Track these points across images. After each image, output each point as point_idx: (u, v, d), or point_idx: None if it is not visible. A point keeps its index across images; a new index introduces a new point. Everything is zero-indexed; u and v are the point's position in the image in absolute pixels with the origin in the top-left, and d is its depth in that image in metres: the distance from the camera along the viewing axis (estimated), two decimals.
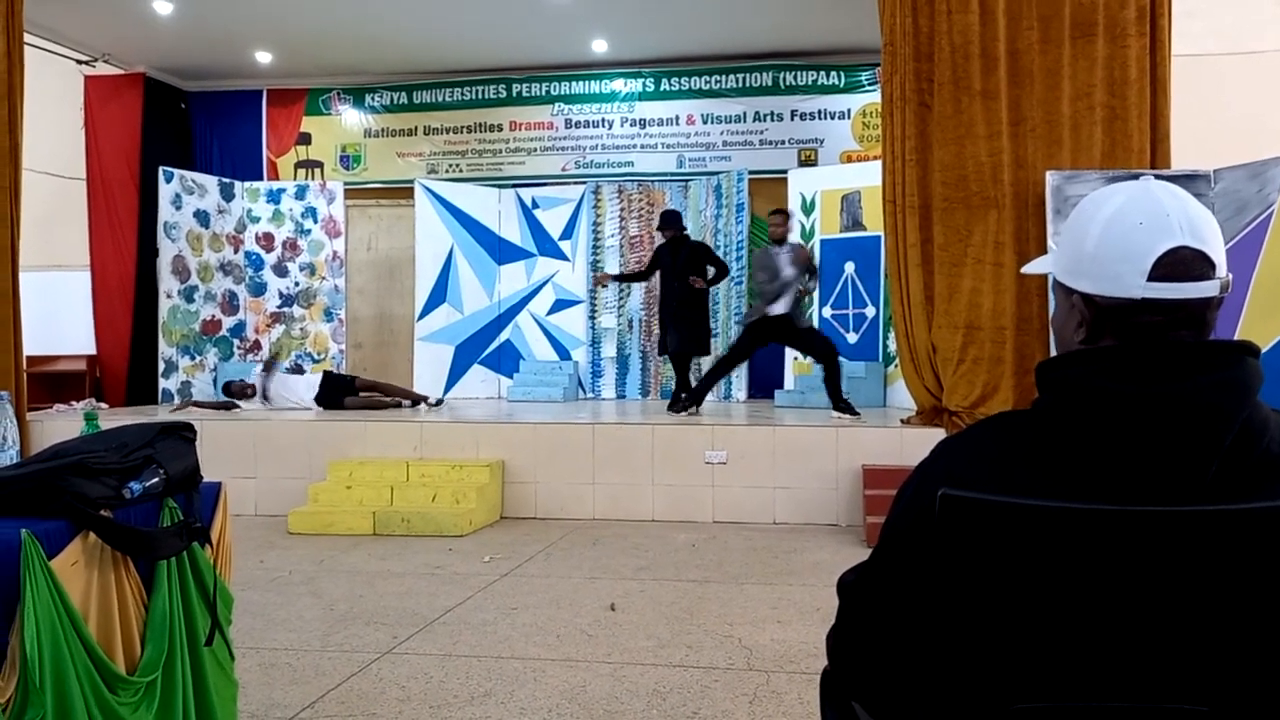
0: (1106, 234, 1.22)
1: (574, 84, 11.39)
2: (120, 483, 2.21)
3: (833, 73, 10.81)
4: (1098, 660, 1.14)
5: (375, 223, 11.83)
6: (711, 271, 8.82)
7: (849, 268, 9.73)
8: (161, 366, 10.21)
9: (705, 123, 11.13)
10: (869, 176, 9.17)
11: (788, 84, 10.92)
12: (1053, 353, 1.32)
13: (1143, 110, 7.12)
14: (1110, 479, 1.14)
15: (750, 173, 10.46)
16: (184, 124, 11.79)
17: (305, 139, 11.81)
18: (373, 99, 11.70)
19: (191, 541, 2.43)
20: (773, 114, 10.97)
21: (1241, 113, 8.92)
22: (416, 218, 10.70)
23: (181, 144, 11.65)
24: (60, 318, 10.70)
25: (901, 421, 7.48)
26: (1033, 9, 7.20)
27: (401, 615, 4.74)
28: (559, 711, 3.45)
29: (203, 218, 10.65)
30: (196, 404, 9.51)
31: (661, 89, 11.21)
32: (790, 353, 10.11)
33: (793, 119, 10.92)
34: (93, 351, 10.68)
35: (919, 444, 6.74)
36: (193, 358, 10.51)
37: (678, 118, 11.20)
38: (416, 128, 11.68)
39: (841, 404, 7.83)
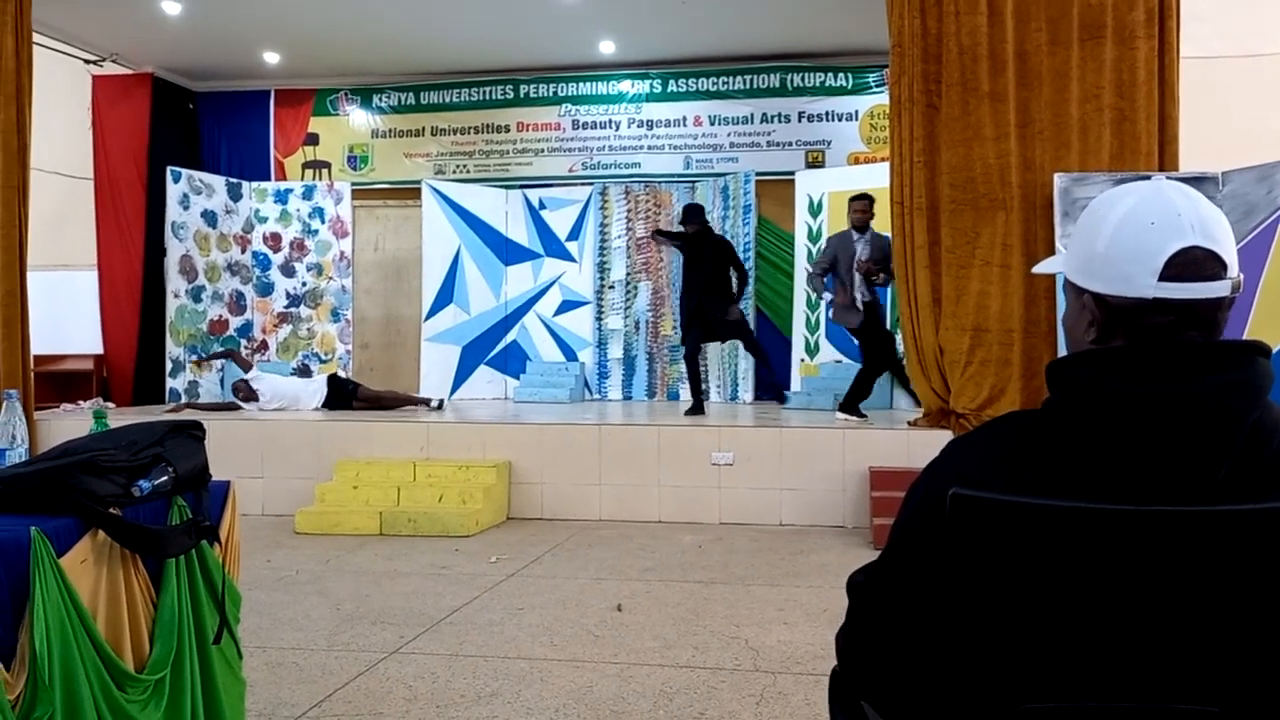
0: (1118, 234, 1.22)
1: (581, 85, 11.40)
2: (129, 481, 2.21)
3: (840, 74, 10.81)
4: (1107, 660, 1.14)
5: (382, 223, 11.85)
6: (734, 275, 8.80)
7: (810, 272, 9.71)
8: (169, 366, 10.24)
9: (713, 124, 11.13)
10: (876, 178, 9.15)
11: (795, 85, 10.92)
12: (1062, 353, 1.32)
13: (1151, 113, 7.10)
14: (1121, 479, 1.14)
15: (757, 174, 10.45)
16: (192, 124, 11.82)
17: (313, 139, 11.83)
18: (380, 100, 11.72)
19: (200, 540, 2.43)
20: (780, 115, 10.96)
21: (1250, 115, 8.90)
22: (423, 218, 10.71)
23: (189, 144, 11.68)
24: (67, 317, 10.72)
25: (908, 423, 7.48)
26: (1041, 11, 7.19)
27: (408, 615, 4.74)
28: (565, 712, 3.45)
29: (210, 218, 10.68)
30: (192, 406, 9.46)
31: (669, 90, 11.21)
32: (797, 354, 10.10)
33: (800, 120, 10.92)
34: (100, 351, 10.71)
35: (926, 446, 6.73)
36: (200, 357, 10.53)
37: (685, 119, 11.20)
38: (424, 128, 11.69)
39: (853, 406, 7.84)
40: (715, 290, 8.68)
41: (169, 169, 10.34)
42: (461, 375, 10.84)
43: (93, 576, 2.12)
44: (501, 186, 11.35)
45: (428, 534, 6.81)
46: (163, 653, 2.29)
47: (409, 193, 11.37)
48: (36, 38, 8.59)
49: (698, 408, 8.44)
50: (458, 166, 11.62)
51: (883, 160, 9.11)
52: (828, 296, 8.25)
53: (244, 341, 10.95)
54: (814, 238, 10.06)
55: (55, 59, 10.25)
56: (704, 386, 10.46)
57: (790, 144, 10.96)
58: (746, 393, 10.07)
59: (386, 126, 11.75)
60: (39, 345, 8.73)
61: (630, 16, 9.92)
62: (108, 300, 10.65)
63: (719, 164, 11.02)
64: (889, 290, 8.54)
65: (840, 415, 7.80)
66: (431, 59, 11.16)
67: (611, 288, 11.00)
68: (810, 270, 8.72)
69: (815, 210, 10.08)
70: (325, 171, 11.76)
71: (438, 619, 4.67)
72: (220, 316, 10.76)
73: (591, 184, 11.18)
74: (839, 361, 9.77)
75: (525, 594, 5.15)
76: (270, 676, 3.83)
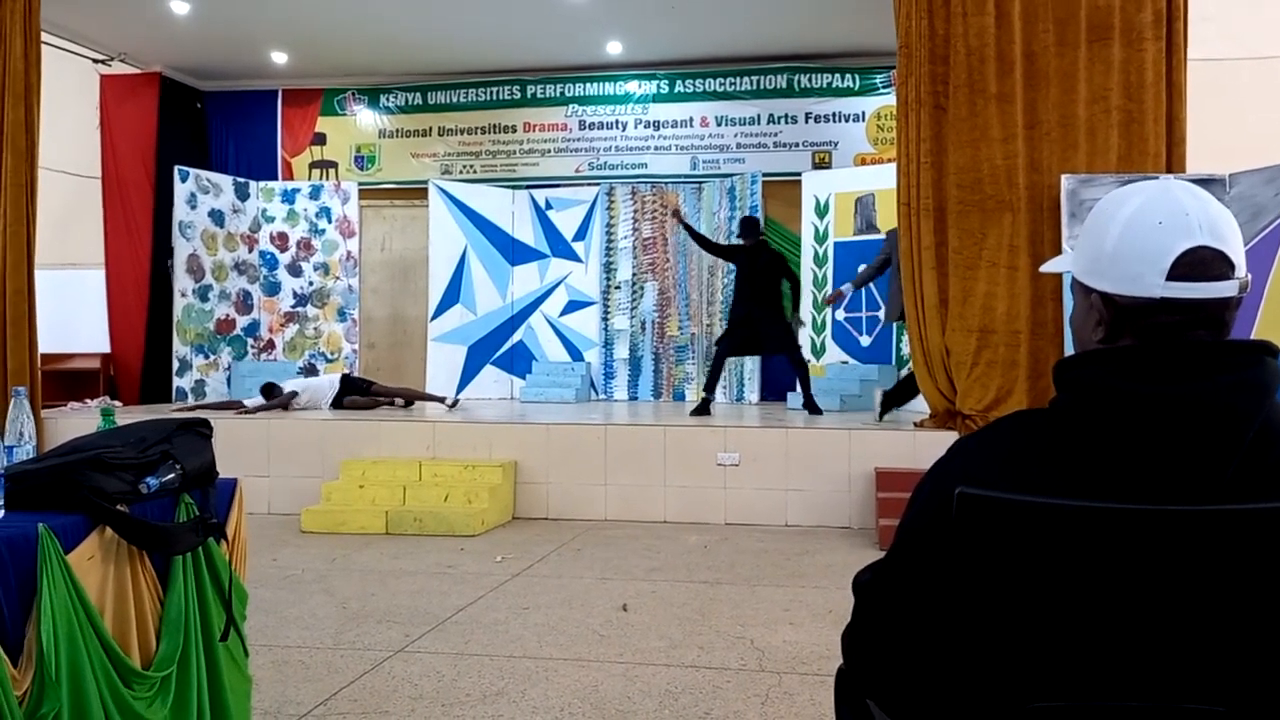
0: (1126, 233, 1.22)
1: (588, 85, 11.41)
2: (137, 478, 2.22)
3: (847, 75, 10.80)
4: (1114, 660, 1.14)
5: (389, 223, 11.87)
6: (787, 286, 8.78)
7: (862, 270, 9.70)
8: (175, 365, 10.26)
9: (719, 125, 11.13)
10: (883, 179, 9.16)
11: (802, 86, 10.91)
12: (1070, 353, 1.32)
13: (1159, 114, 7.09)
14: (1129, 478, 1.14)
15: (764, 175, 10.46)
16: (199, 123, 11.85)
17: (320, 139, 11.85)
18: (387, 100, 11.74)
19: (207, 537, 2.43)
20: (787, 116, 10.96)
21: (1258, 117, 8.88)
22: (430, 218, 10.73)
23: (197, 143, 11.70)
24: (75, 316, 10.75)
25: (914, 425, 7.47)
26: (1049, 12, 7.18)
27: (414, 614, 4.75)
28: (571, 711, 3.45)
29: (218, 217, 10.70)
30: (200, 406, 9.44)
31: (676, 91, 11.22)
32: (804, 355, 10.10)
33: (807, 121, 10.91)
34: (107, 350, 10.73)
35: (932, 447, 6.72)
36: (207, 356, 10.56)
37: (692, 120, 11.20)
38: (431, 128, 11.71)
39: (894, 404, 7.97)
40: (767, 303, 8.64)
41: (176, 168, 10.37)
42: (468, 375, 10.85)
43: (100, 573, 2.13)
44: (508, 187, 11.36)
45: (433, 533, 6.82)
46: (169, 650, 2.29)
47: (416, 193, 11.39)
48: (45, 37, 8.61)
49: (704, 408, 8.44)
50: (465, 166, 11.64)
51: (890, 161, 9.10)
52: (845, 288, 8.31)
53: (251, 341, 10.97)
54: (820, 239, 10.07)
55: (63, 58, 10.27)
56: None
57: (797, 145, 10.95)
58: (752, 393, 10.07)
59: (394, 126, 11.76)
60: (46, 344, 8.75)
61: (637, 17, 9.93)
62: (115, 299, 10.68)
63: (726, 165, 11.03)
64: None
65: (880, 410, 7.88)
66: (439, 59, 11.17)
67: (618, 288, 11.00)
68: (862, 269, 8.75)
69: (822, 211, 10.07)
70: (332, 171, 11.79)
71: (443, 618, 4.67)
72: (227, 316, 10.78)
73: (598, 184, 11.19)
74: (845, 363, 9.77)
75: (531, 593, 5.16)
76: (276, 674, 3.83)
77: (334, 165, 11.82)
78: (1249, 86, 9.06)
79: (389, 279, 11.87)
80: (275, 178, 11.63)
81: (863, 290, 9.71)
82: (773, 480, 7.17)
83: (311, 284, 11.11)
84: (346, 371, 10.03)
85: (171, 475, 2.30)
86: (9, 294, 7.97)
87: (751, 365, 10.09)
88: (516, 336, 11.19)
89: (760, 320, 8.64)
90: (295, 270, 11.11)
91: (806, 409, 8.52)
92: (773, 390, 10.14)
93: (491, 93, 11.58)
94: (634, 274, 10.98)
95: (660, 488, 7.32)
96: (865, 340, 9.73)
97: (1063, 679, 1.15)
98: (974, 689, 1.21)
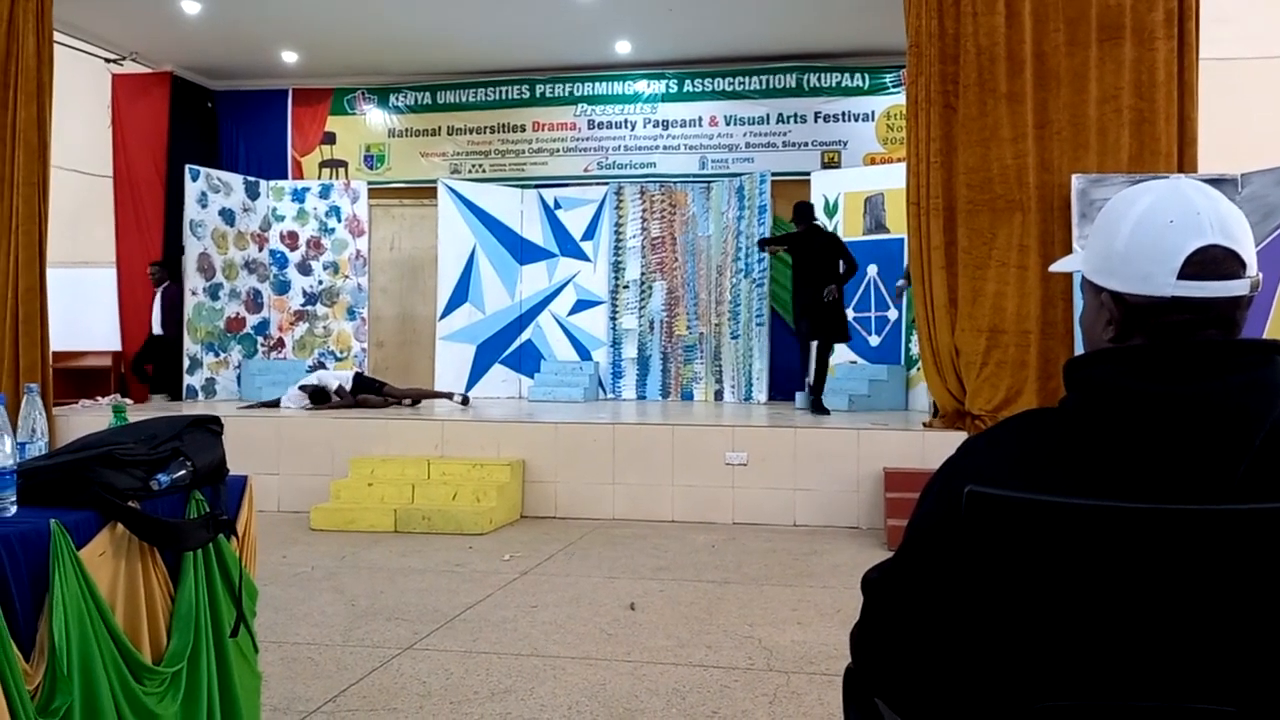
0: (1137, 232, 1.22)
1: (597, 85, 11.41)
2: (148, 474, 2.23)
3: (857, 75, 10.79)
4: (1123, 659, 1.13)
5: (398, 222, 11.89)
6: (842, 267, 8.69)
7: (872, 270, 9.70)
8: (186, 363, 10.29)
9: (728, 124, 11.13)
10: (893, 179, 9.15)
11: (811, 86, 10.90)
12: (1079, 352, 1.32)
13: (1170, 114, 7.07)
14: (1139, 477, 1.14)
15: (773, 174, 10.44)
16: (210, 123, 11.89)
17: (330, 138, 11.88)
18: (397, 99, 11.76)
19: (218, 534, 2.44)
20: (796, 116, 10.95)
21: (1269, 117, 8.84)
22: (439, 217, 10.75)
23: (208, 142, 11.74)
24: (86, 314, 10.79)
25: (923, 425, 7.46)
26: (1059, 11, 7.16)
27: (422, 612, 4.76)
28: (579, 709, 3.45)
29: (228, 216, 10.73)
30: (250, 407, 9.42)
31: (684, 90, 11.22)
32: (813, 354, 10.08)
33: (816, 121, 10.90)
34: (118, 348, 10.78)
35: (941, 447, 6.70)
36: (217, 354, 10.59)
37: (700, 119, 11.20)
38: (440, 128, 11.73)
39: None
40: (821, 287, 8.57)
41: (187, 167, 10.40)
42: (476, 374, 10.87)
43: (111, 569, 2.14)
44: (517, 186, 11.37)
45: (442, 531, 6.83)
46: (180, 645, 2.30)
47: (425, 192, 11.41)
48: (57, 36, 8.65)
49: (819, 406, 8.33)
50: (474, 166, 11.65)
51: (899, 161, 9.09)
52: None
53: (260, 339, 11.00)
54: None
55: (76, 58, 10.32)
56: (719, 387, 10.48)
57: (806, 144, 10.95)
58: (760, 393, 10.06)
59: (403, 126, 11.79)
60: (58, 342, 8.78)
61: (646, 17, 9.93)
62: (126, 297, 10.72)
63: (735, 164, 11.02)
64: None
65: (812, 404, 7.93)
66: (448, 59, 11.19)
67: (626, 287, 11.01)
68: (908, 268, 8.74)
69: (831, 211, 10.06)
70: (342, 170, 11.81)
71: (451, 616, 4.68)
72: (237, 314, 10.81)
73: (607, 184, 11.20)
74: (854, 363, 9.76)
75: (539, 592, 5.16)
76: (285, 671, 3.85)
77: (344, 164, 11.85)
78: (1261, 86, 9.02)
79: (398, 278, 11.89)
80: (285, 177, 11.66)
81: (871, 290, 9.70)
82: (781, 480, 7.17)
83: (321, 283, 11.13)
84: (358, 370, 10.04)
85: (182, 472, 2.31)
86: (21, 292, 8.00)
87: (760, 365, 10.08)
88: (525, 335, 11.20)
89: (811, 307, 8.56)
90: (305, 269, 11.14)
91: (811, 408, 8.50)
92: (781, 390, 10.13)
93: (500, 92, 11.59)
94: (642, 273, 10.98)
95: (668, 487, 7.32)
96: (874, 340, 9.72)
97: (1071, 678, 1.15)
98: (982, 688, 1.21)
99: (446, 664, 3.95)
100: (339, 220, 11.13)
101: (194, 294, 10.36)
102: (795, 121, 10.96)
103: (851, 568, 5.73)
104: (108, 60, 10.88)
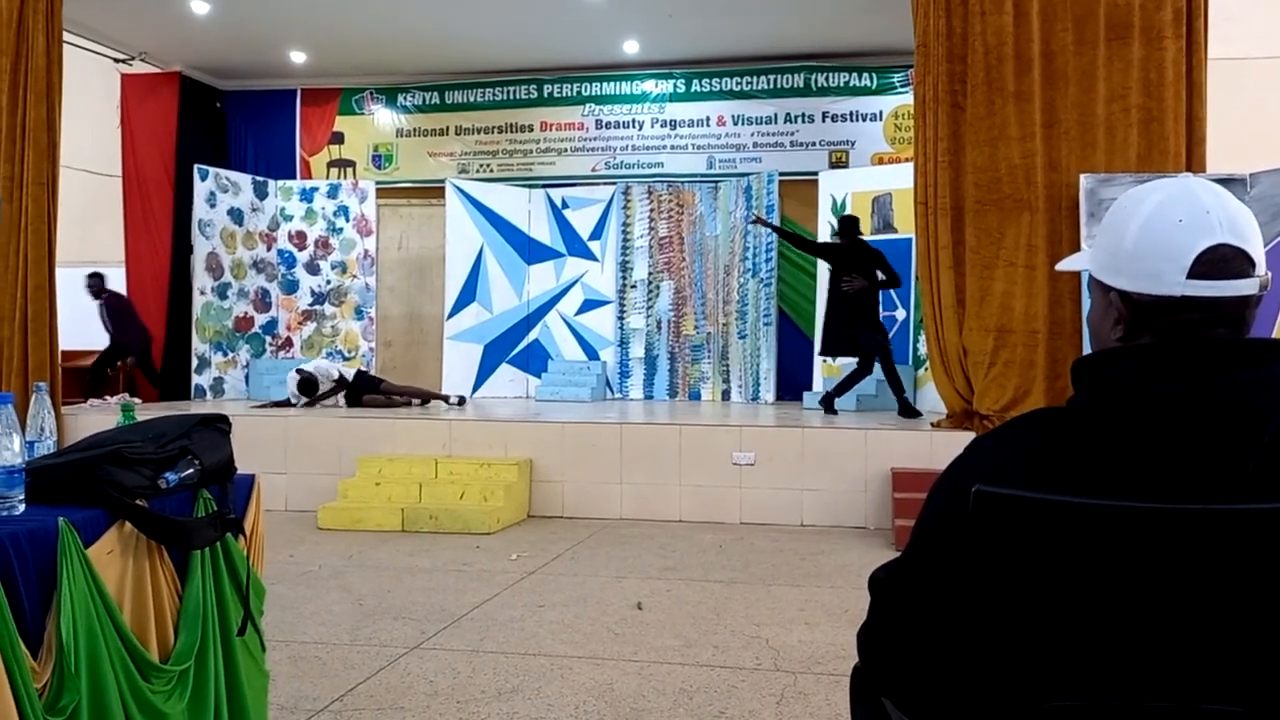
0: (1146, 231, 1.21)
1: (605, 85, 11.41)
2: (156, 472, 2.23)
3: (865, 74, 10.77)
4: (1132, 659, 1.13)
5: (406, 222, 11.90)
6: (881, 276, 8.53)
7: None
8: (194, 362, 10.32)
9: (736, 124, 11.12)
10: (900, 178, 9.13)
11: (819, 85, 10.89)
12: (1087, 351, 1.31)
13: (1179, 113, 7.05)
14: (1147, 476, 1.13)
15: (781, 174, 10.44)
16: (219, 122, 11.91)
17: (338, 138, 11.90)
18: (405, 99, 11.77)
19: (225, 532, 2.45)
20: (804, 115, 10.94)
21: (1279, 116, 8.81)
22: (447, 217, 10.75)
23: (216, 142, 11.77)
24: (95, 313, 10.82)
25: (931, 425, 7.45)
26: (1067, 11, 7.15)
27: (429, 611, 4.76)
28: (585, 709, 3.45)
29: (236, 215, 10.76)
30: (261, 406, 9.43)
31: (692, 90, 11.21)
32: (819, 355, 10.08)
33: (824, 120, 10.89)
34: None
35: (949, 447, 6.68)
36: (225, 354, 10.62)
37: (708, 119, 11.19)
38: (448, 127, 11.74)
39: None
40: (868, 301, 8.46)
41: (196, 167, 10.43)
42: (483, 374, 10.88)
43: (119, 567, 2.14)
44: (524, 186, 11.38)
45: (449, 531, 6.84)
46: (187, 644, 2.31)
47: (433, 191, 11.42)
48: (67, 36, 8.67)
49: (907, 408, 8.23)
50: (481, 166, 11.66)
51: (907, 160, 9.07)
52: None
53: (269, 339, 11.02)
54: (837, 238, 10.02)
55: (85, 57, 10.35)
56: (726, 387, 10.48)
57: (814, 144, 10.93)
58: (768, 393, 10.05)
59: (411, 126, 11.80)
60: (67, 341, 8.82)
61: (654, 16, 9.92)
62: (135, 296, 10.75)
63: (742, 164, 11.01)
64: None
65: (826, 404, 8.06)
66: (456, 59, 11.20)
67: (634, 287, 11.01)
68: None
69: (839, 211, 10.04)
70: (350, 170, 11.83)
71: (459, 615, 4.68)
72: (246, 314, 10.84)
73: (614, 183, 11.20)
74: None
75: (546, 591, 5.17)
76: (293, 670, 3.85)
77: (352, 164, 11.87)
78: (1270, 86, 8.99)
79: (406, 277, 11.91)
80: (294, 176, 11.68)
81: (878, 292, 9.68)
82: (788, 480, 7.17)
83: (329, 282, 11.16)
84: (363, 369, 10.05)
85: (190, 471, 2.31)
86: (30, 291, 8.03)
87: (768, 365, 10.08)
88: (532, 335, 11.20)
89: (850, 320, 8.41)
90: (313, 268, 11.16)
91: (823, 404, 8.45)
92: (789, 389, 10.12)
93: (508, 92, 11.60)
94: (650, 273, 10.99)
95: (675, 487, 7.32)
96: None
97: (1079, 678, 1.15)
98: (990, 688, 1.20)
99: (453, 663, 3.95)
100: (347, 220, 11.15)
101: (202, 293, 10.39)
102: (803, 121, 10.94)
103: (859, 568, 5.72)
104: (117, 60, 10.90)
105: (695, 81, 11.19)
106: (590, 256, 11.18)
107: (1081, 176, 7.00)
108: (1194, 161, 7.04)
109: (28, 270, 8.02)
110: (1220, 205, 1.20)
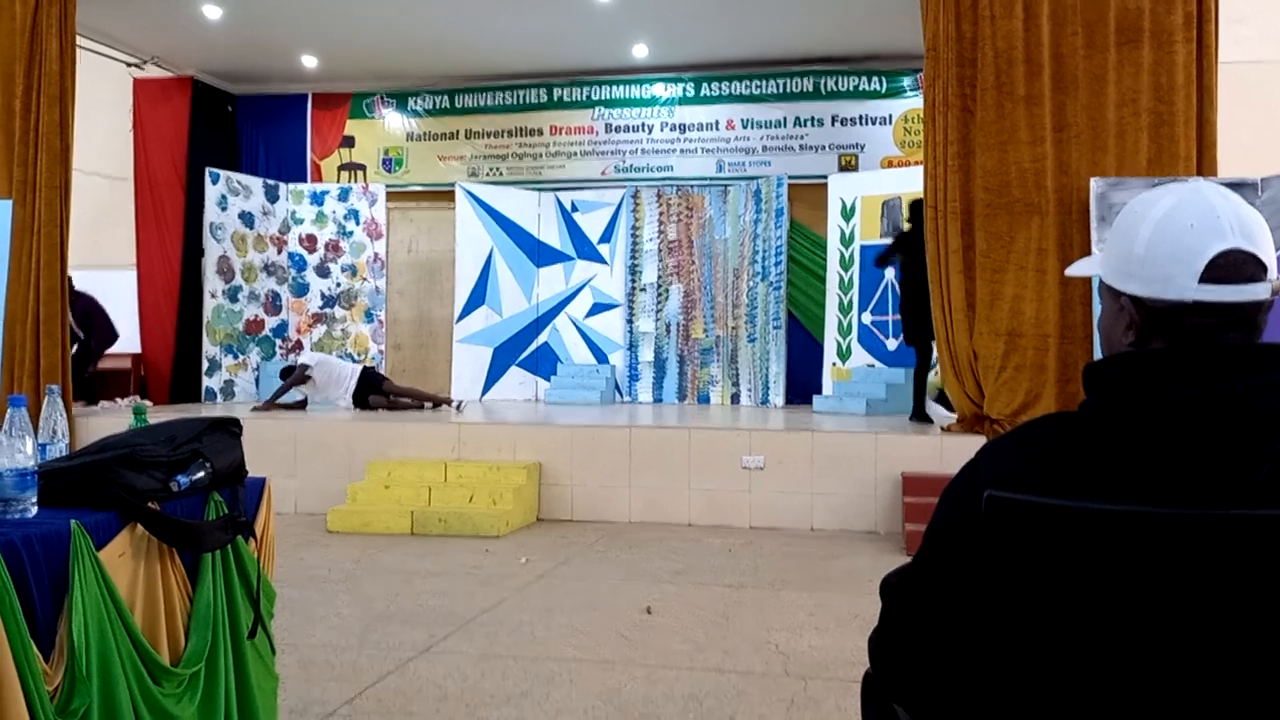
0: (1157, 236, 1.21)
1: (614, 88, 11.42)
2: (168, 475, 2.24)
3: (874, 78, 10.76)
4: (1145, 665, 1.13)
5: (416, 225, 11.93)
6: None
7: (889, 273, 9.67)
8: (205, 365, 10.36)
9: (745, 127, 11.11)
10: (910, 182, 9.12)
11: (829, 89, 10.88)
12: (1098, 356, 1.31)
13: (1189, 117, 7.02)
14: (1159, 482, 1.13)
15: (790, 178, 10.43)
16: (230, 126, 11.95)
17: (349, 142, 11.92)
18: (415, 103, 11.80)
19: (236, 535, 2.46)
20: (813, 119, 10.93)
21: None
22: (457, 220, 10.78)
23: (228, 146, 11.81)
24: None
25: (942, 429, 7.43)
26: (1077, 15, 7.13)
27: (438, 615, 4.77)
28: (595, 713, 3.45)
29: (247, 219, 10.80)
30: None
31: (702, 94, 11.21)
32: (829, 358, 10.08)
33: (833, 124, 10.88)
34: (138, 349, 10.84)
35: (959, 452, 6.69)
36: (236, 357, 10.65)
37: (718, 122, 11.19)
38: (458, 131, 11.76)
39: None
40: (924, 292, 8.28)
41: (207, 170, 10.47)
42: (493, 376, 10.89)
43: (130, 570, 2.15)
44: (534, 189, 11.39)
45: (458, 534, 6.84)
46: (198, 647, 2.32)
47: (443, 195, 11.44)
48: (80, 41, 8.71)
49: (921, 413, 8.18)
50: (491, 169, 11.68)
51: (916, 164, 9.06)
52: None
53: (279, 342, 11.05)
54: (846, 242, 10.03)
55: (98, 62, 10.39)
56: (736, 390, 10.47)
57: (823, 148, 10.92)
58: (778, 396, 10.04)
59: (421, 129, 11.82)
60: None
61: (664, 20, 9.93)
62: (146, 299, 10.79)
63: (751, 167, 11.01)
64: None
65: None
66: (466, 63, 11.22)
67: (643, 290, 11.01)
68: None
69: (848, 214, 10.04)
70: (360, 174, 11.86)
71: (468, 619, 4.69)
72: (256, 316, 10.87)
73: (624, 187, 11.20)
74: (871, 366, 9.74)
75: (555, 595, 5.17)
76: (302, 673, 3.86)
77: (362, 168, 11.90)
78: None
79: (415, 280, 11.92)
80: (304, 180, 11.71)
81: (889, 294, 9.67)
82: (798, 484, 7.16)
83: (339, 285, 11.18)
84: (369, 366, 10.03)
85: (202, 474, 2.32)
86: (43, 294, 8.06)
87: (777, 369, 10.07)
88: (542, 338, 11.21)
89: (926, 309, 8.02)
90: (323, 271, 11.19)
91: (915, 419, 8.25)
92: (798, 393, 10.11)
93: (518, 96, 11.61)
94: (659, 276, 10.99)
95: (685, 490, 7.31)
96: (892, 343, 9.69)
97: (1091, 685, 1.15)
98: (1002, 695, 1.20)
99: (463, 667, 3.95)
100: (357, 223, 11.17)
101: (213, 296, 10.42)
102: (812, 125, 10.94)
103: (869, 572, 5.71)
104: (129, 64, 10.94)
105: (705, 85, 11.19)
106: (599, 260, 11.18)
107: (1092, 180, 6.98)
108: (1205, 165, 7.02)
109: (40, 273, 8.05)
110: (1232, 209, 1.20)
